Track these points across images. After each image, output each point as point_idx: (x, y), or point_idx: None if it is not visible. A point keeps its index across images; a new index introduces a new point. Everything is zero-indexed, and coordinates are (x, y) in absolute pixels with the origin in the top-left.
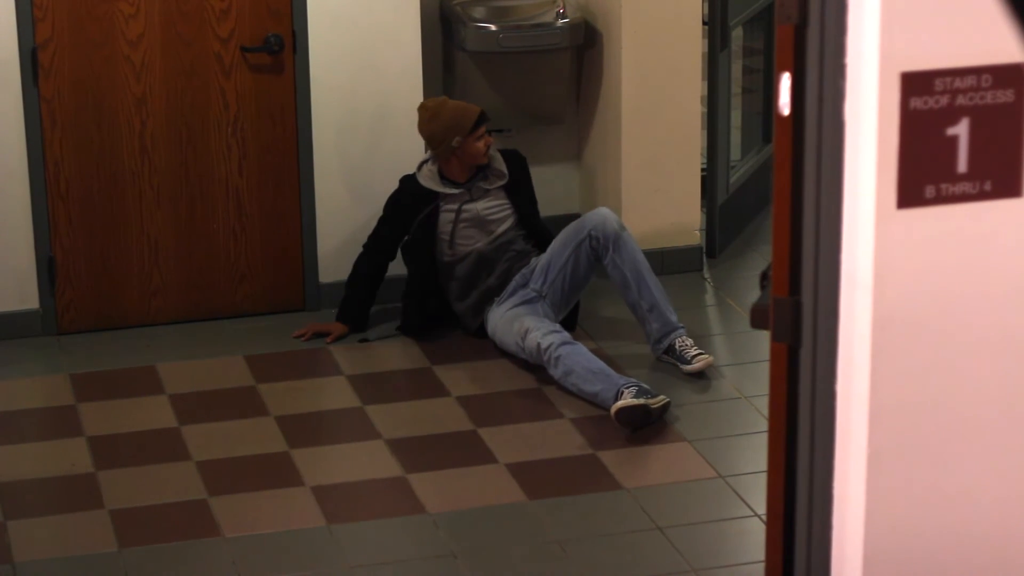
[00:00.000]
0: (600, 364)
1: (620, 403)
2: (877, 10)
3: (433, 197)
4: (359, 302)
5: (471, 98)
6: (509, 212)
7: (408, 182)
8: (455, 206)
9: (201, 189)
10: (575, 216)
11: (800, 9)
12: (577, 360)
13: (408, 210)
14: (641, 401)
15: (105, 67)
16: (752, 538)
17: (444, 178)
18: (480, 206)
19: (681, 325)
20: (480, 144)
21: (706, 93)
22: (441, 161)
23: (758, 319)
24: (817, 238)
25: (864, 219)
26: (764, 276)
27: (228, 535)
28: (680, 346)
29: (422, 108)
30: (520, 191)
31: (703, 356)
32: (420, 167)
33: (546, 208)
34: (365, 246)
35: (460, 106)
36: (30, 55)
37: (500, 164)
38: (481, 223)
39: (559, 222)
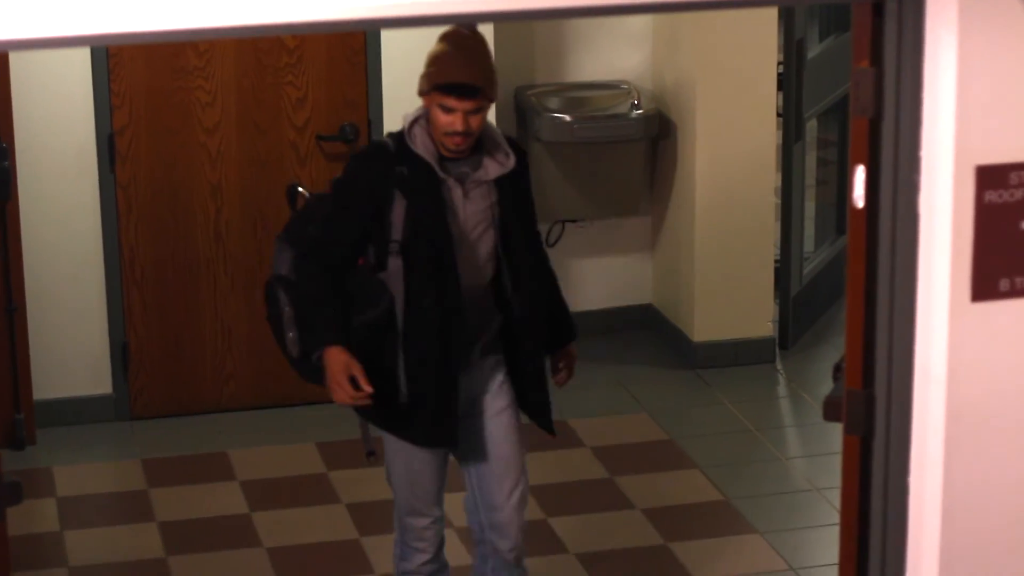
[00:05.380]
0: None
1: None
2: (952, 104)
3: (425, 170)
4: (337, 315)
5: (546, 188)
6: (491, 229)
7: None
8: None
9: None
10: (648, 307)
11: (875, 102)
12: None
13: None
14: None
15: (181, 154)
16: None
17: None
18: (462, 207)
19: None
20: (442, 118)
21: (780, 184)
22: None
23: (831, 411)
24: (891, 331)
25: (938, 312)
26: (837, 368)
27: None
28: None
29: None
30: (517, 196)
31: None
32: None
33: (618, 299)
34: (303, 254)
35: (441, 51)
36: (107, 141)
37: (498, 147)
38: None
39: (632, 312)
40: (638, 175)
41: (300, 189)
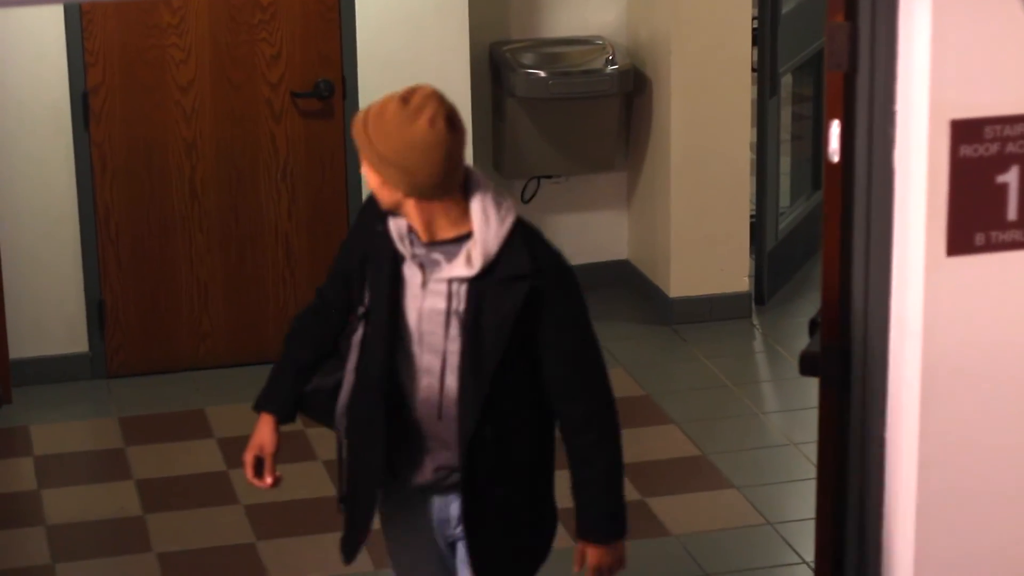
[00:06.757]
0: None
1: None
2: (927, 58)
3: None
4: (291, 378)
5: (521, 144)
6: (450, 338)
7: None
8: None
9: (250, 234)
10: (624, 263)
11: (850, 56)
12: None
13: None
14: None
15: (156, 112)
16: None
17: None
18: (415, 300)
19: None
20: None
21: (755, 140)
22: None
23: (807, 366)
24: (867, 285)
25: (913, 266)
26: (813, 323)
27: None
28: None
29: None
30: (495, 316)
31: None
32: None
33: (594, 255)
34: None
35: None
36: (81, 100)
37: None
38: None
39: (608, 268)
40: (613, 131)
41: None
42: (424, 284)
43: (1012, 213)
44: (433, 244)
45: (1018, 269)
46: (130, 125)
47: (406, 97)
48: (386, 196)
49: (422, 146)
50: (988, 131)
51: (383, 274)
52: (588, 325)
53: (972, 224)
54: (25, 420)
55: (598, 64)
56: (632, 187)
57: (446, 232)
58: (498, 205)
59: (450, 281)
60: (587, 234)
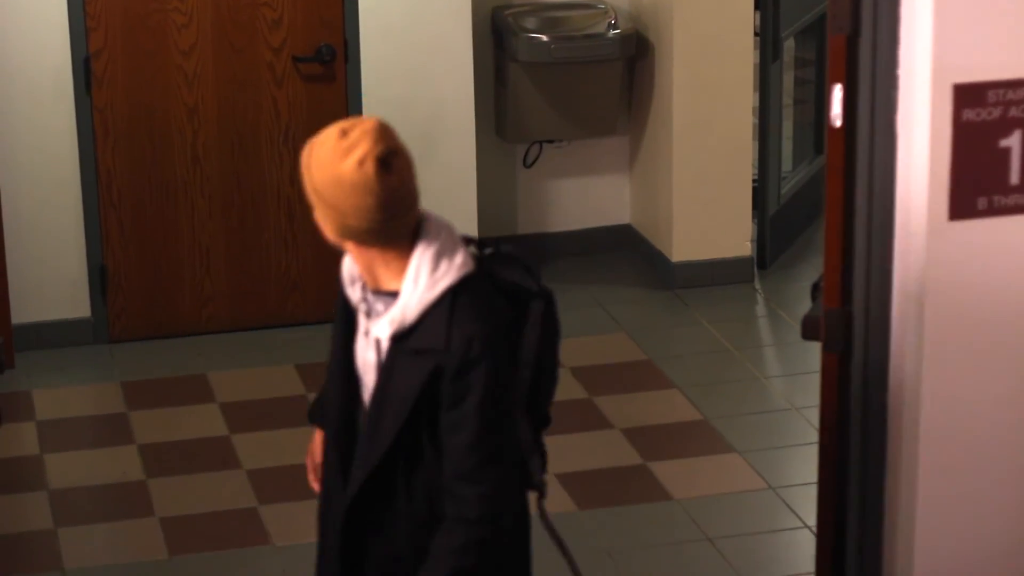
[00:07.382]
0: None
1: None
2: (930, 22)
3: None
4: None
5: (523, 109)
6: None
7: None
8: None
9: (252, 198)
10: (626, 227)
11: (852, 20)
12: None
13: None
14: None
15: (157, 77)
16: (802, 549)
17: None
18: (361, 348)
19: None
20: None
21: (758, 104)
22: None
23: (809, 330)
24: (869, 250)
25: (916, 231)
26: (815, 287)
27: (278, 544)
28: None
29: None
30: (403, 380)
31: None
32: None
33: (597, 219)
34: None
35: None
36: (83, 64)
37: (411, 291)
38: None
39: (610, 233)
40: (615, 95)
41: None
42: (366, 332)
43: (1015, 177)
44: (377, 292)
45: (1020, 233)
46: (132, 90)
47: (346, 130)
48: (325, 232)
49: (350, 186)
50: (991, 95)
51: (341, 314)
52: (486, 424)
53: (975, 188)
54: (27, 385)
55: (600, 28)
56: (634, 151)
57: (386, 283)
58: (435, 265)
59: (379, 339)
60: (589, 198)
